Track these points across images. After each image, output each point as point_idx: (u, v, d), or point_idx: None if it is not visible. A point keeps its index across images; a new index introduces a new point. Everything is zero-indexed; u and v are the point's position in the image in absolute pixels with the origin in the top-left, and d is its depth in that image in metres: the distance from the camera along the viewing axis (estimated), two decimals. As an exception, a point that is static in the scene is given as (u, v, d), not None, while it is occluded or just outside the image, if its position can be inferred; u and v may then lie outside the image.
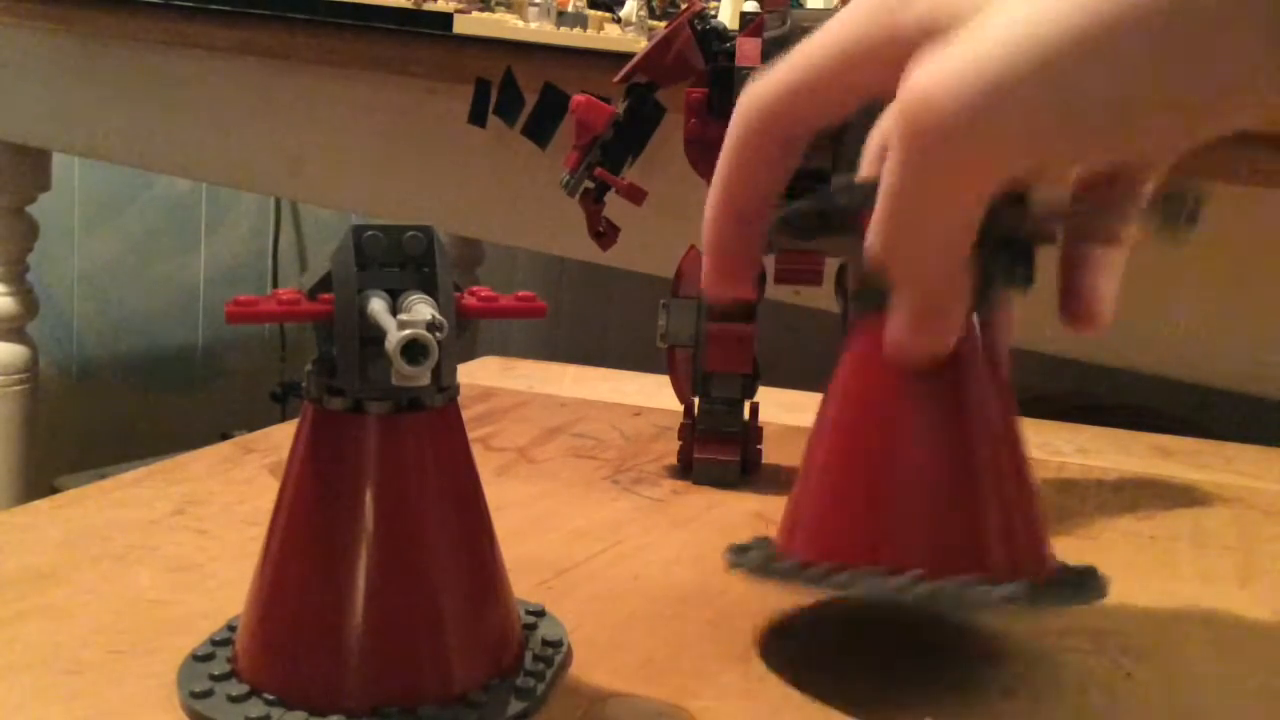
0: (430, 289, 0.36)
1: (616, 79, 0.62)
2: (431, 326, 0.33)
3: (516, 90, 1.06)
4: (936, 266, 0.34)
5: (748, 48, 0.58)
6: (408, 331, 0.32)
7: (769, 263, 0.61)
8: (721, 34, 0.60)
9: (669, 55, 0.60)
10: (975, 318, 0.39)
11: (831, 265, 0.62)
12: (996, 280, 0.39)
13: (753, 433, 0.63)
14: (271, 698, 0.37)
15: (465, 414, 0.39)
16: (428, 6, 1.10)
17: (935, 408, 0.39)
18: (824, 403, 0.43)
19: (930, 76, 0.31)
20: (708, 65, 0.60)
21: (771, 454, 0.65)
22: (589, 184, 0.62)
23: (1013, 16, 0.30)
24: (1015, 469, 0.40)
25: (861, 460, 0.41)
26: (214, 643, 0.41)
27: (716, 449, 0.62)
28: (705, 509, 0.59)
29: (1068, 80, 0.29)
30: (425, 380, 0.33)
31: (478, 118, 1.08)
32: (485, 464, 0.48)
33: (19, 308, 1.64)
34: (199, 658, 0.40)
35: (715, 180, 0.39)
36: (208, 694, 0.38)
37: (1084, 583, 0.41)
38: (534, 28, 1.05)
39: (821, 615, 0.47)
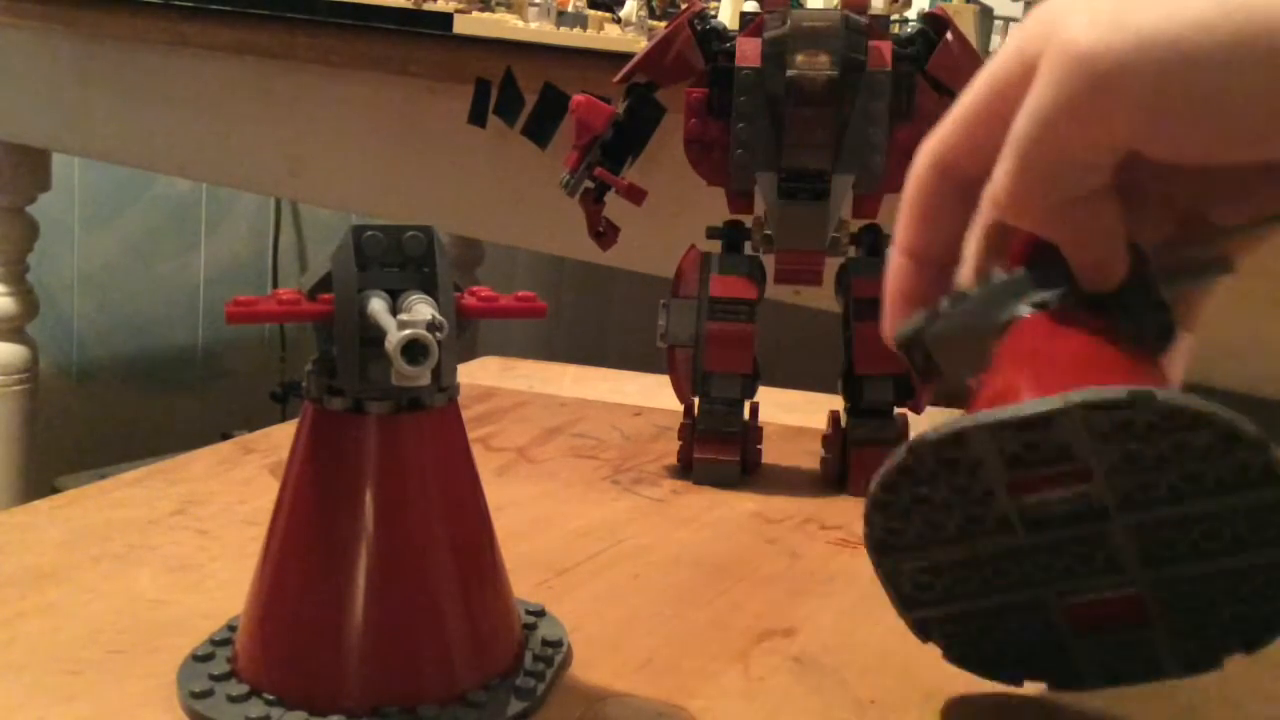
0: (430, 289, 0.36)
1: (616, 79, 0.62)
2: (431, 326, 0.33)
3: (516, 90, 1.06)
4: (1072, 209, 0.34)
5: (748, 48, 0.58)
6: (408, 331, 0.32)
7: (769, 262, 0.61)
8: (721, 34, 0.60)
9: (669, 55, 0.60)
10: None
11: (831, 265, 0.62)
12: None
13: (753, 433, 0.63)
14: (271, 698, 0.37)
15: (465, 414, 0.39)
16: (428, 6, 1.10)
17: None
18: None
19: (1107, 20, 0.31)
20: (708, 65, 0.60)
21: (771, 454, 0.65)
22: (589, 184, 0.62)
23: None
24: None
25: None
26: (214, 643, 0.41)
27: (716, 449, 0.62)
28: (705, 509, 0.59)
29: (1243, 68, 0.30)
30: (425, 380, 0.33)
31: (478, 118, 1.08)
32: (485, 464, 0.48)
33: (19, 308, 1.64)
34: (199, 658, 0.40)
35: (896, 230, 0.39)
36: (208, 694, 0.38)
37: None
38: (534, 28, 1.05)
39: (821, 615, 0.47)
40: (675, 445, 0.64)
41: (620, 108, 0.62)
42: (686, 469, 0.63)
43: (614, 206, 0.63)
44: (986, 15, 0.94)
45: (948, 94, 0.59)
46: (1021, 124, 0.33)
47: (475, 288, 0.38)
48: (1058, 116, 0.32)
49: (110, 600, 0.45)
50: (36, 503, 0.55)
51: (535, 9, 1.06)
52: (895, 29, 0.61)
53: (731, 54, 0.59)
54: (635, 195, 0.61)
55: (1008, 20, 0.98)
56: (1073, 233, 0.35)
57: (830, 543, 0.55)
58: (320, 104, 1.25)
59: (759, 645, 0.44)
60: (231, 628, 0.41)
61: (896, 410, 0.62)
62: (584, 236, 0.64)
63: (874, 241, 0.62)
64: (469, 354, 0.93)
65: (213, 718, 0.37)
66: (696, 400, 0.62)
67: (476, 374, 0.82)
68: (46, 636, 0.42)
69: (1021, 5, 0.98)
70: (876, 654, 0.44)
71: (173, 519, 0.54)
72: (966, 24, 0.88)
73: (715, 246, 0.63)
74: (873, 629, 0.46)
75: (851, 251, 0.62)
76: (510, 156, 1.09)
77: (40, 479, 1.66)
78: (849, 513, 0.58)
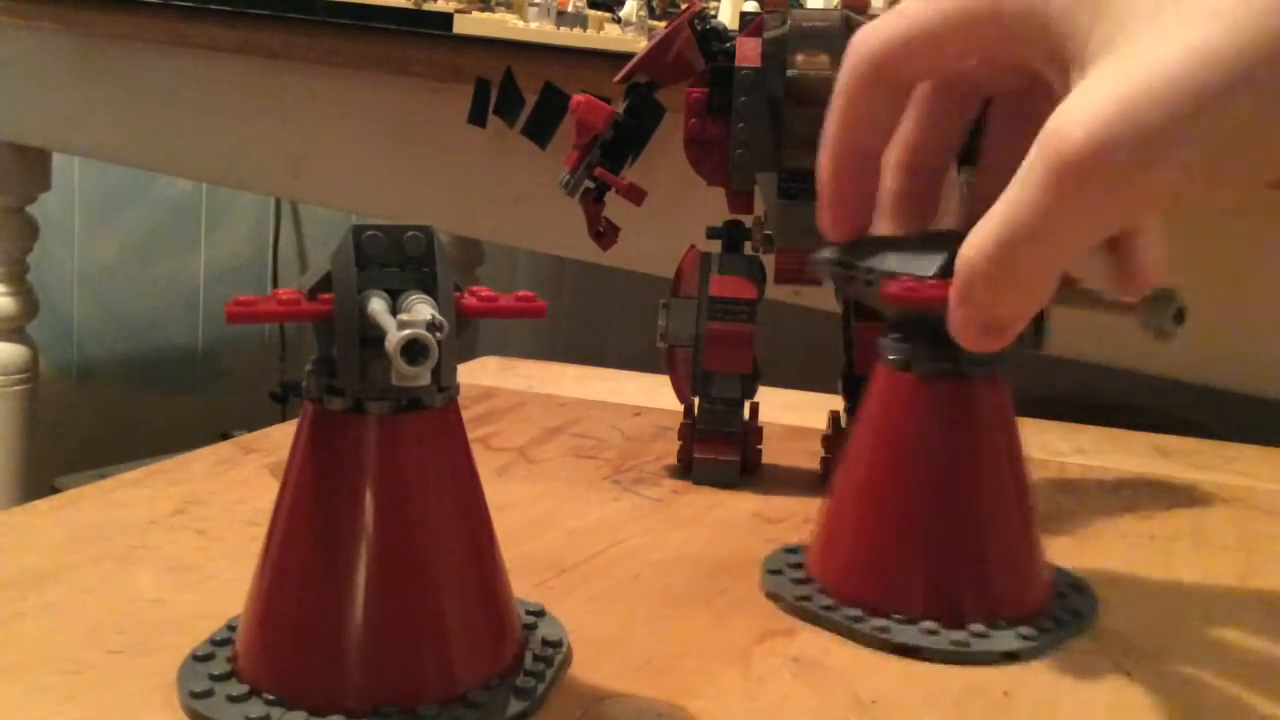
0: (430, 289, 0.36)
1: (617, 79, 0.62)
2: (431, 326, 0.33)
3: (516, 90, 1.06)
4: (1032, 290, 0.35)
5: (748, 48, 0.58)
6: (408, 331, 0.32)
7: (769, 262, 0.61)
8: (721, 34, 0.60)
9: (669, 55, 0.60)
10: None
11: None
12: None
13: (752, 433, 0.63)
14: (271, 698, 0.37)
15: (465, 414, 0.39)
16: (428, 6, 1.10)
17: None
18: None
19: (1083, 115, 0.30)
20: (708, 65, 0.60)
21: (771, 454, 0.64)
22: (589, 184, 0.62)
23: (1164, 55, 0.29)
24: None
25: None
26: (214, 643, 0.41)
27: (716, 449, 0.62)
28: (705, 509, 0.59)
29: (1222, 124, 0.29)
30: (425, 380, 0.33)
31: (478, 118, 1.08)
32: (485, 464, 0.48)
33: (19, 308, 1.64)
34: (199, 658, 0.40)
35: (828, 121, 0.39)
36: (208, 694, 0.38)
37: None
38: (534, 28, 1.05)
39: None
40: (675, 445, 0.64)
41: (620, 108, 0.62)
42: (686, 469, 0.63)
43: (614, 206, 0.63)
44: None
45: None
46: (1017, 202, 0.32)
47: (475, 288, 0.38)
48: (1061, 211, 0.31)
49: (110, 600, 0.45)
50: (36, 503, 0.55)
51: (535, 9, 1.06)
52: None
53: (731, 54, 0.59)
54: (635, 195, 0.61)
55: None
56: (1002, 306, 0.36)
57: (830, 543, 0.55)
58: (320, 104, 1.25)
59: (759, 645, 0.44)
60: (231, 628, 0.41)
61: None
62: (584, 236, 0.64)
63: None
64: (469, 354, 0.93)
65: (213, 718, 0.37)
66: (696, 400, 0.62)
67: (476, 374, 0.82)
68: (46, 636, 0.42)
69: (1021, 5, 0.98)
70: (876, 654, 0.44)
71: (173, 519, 0.54)
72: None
73: (715, 246, 0.63)
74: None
75: None
76: (510, 156, 1.09)
77: (40, 479, 1.66)
78: (849, 513, 0.58)
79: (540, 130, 1.04)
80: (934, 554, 0.46)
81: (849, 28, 0.57)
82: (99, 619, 0.44)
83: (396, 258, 0.37)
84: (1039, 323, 0.46)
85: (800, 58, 0.57)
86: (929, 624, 0.45)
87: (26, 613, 0.44)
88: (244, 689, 0.38)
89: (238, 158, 1.35)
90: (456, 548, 0.39)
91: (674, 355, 0.61)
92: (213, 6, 1.22)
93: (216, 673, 0.39)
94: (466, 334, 0.39)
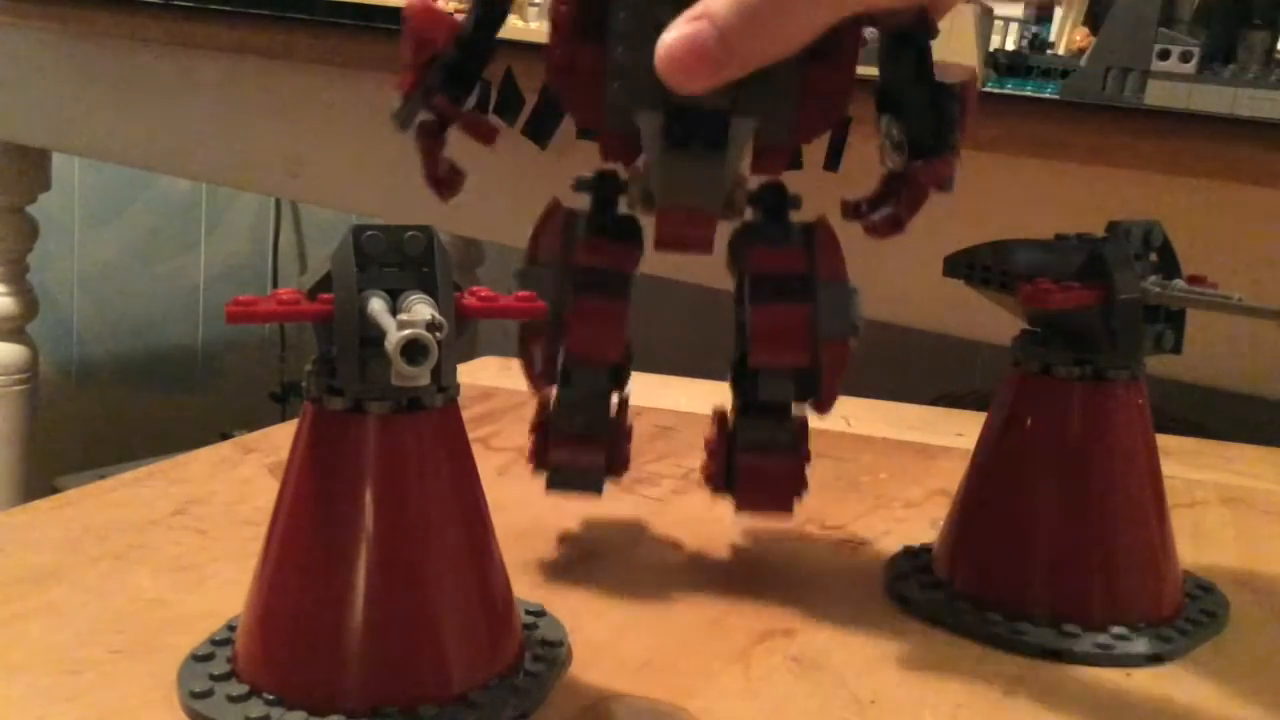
0: (430, 289, 0.36)
1: None
2: (431, 326, 0.33)
3: (516, 90, 1.05)
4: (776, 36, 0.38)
5: None
6: (407, 331, 0.32)
7: (648, 224, 0.47)
8: None
9: None
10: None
11: (724, 232, 0.47)
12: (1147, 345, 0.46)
13: (622, 431, 0.51)
14: (271, 698, 0.37)
15: (465, 414, 0.39)
16: (428, 6, 1.10)
17: None
18: None
19: None
20: None
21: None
22: (426, 116, 0.50)
23: None
24: None
25: None
26: (214, 643, 0.41)
27: (577, 450, 0.50)
28: (705, 509, 0.58)
29: None
30: (425, 380, 0.33)
31: (477, 117, 1.08)
32: (485, 464, 0.48)
33: (19, 308, 1.64)
34: (199, 658, 0.40)
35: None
36: (208, 694, 0.38)
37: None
38: (534, 28, 1.04)
39: (821, 615, 0.47)
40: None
41: (468, 19, 0.50)
42: (541, 470, 0.51)
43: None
44: (987, 15, 0.94)
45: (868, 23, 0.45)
46: None
47: (475, 288, 0.38)
48: None
49: (110, 600, 0.45)
50: (36, 503, 0.55)
51: (535, 9, 1.06)
52: None
53: None
54: (483, 132, 0.50)
55: (1008, 20, 0.98)
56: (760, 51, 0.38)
57: (830, 543, 0.55)
58: (320, 104, 1.25)
59: (759, 645, 0.44)
60: (231, 628, 0.41)
61: (796, 409, 0.49)
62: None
63: (777, 202, 0.48)
64: (469, 354, 0.93)
65: (213, 718, 0.37)
66: (553, 391, 0.49)
67: (476, 374, 0.82)
68: (46, 636, 0.42)
69: (1021, 5, 0.98)
70: (876, 654, 0.44)
71: (173, 519, 0.54)
72: (966, 24, 0.88)
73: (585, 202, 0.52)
74: (873, 629, 0.46)
75: (749, 214, 0.48)
76: (510, 156, 1.08)
77: (40, 479, 1.66)
78: (849, 512, 0.58)
79: (540, 130, 1.04)
80: (1073, 556, 0.46)
81: None
82: (99, 619, 0.44)
83: (396, 258, 0.37)
84: (1178, 329, 0.47)
85: None
86: (1070, 627, 0.45)
87: (26, 613, 0.44)
88: (244, 689, 0.38)
89: (238, 158, 1.35)
90: (456, 548, 0.39)
91: (525, 335, 0.48)
92: (213, 6, 1.22)
93: (216, 673, 0.39)
94: (466, 334, 0.39)
